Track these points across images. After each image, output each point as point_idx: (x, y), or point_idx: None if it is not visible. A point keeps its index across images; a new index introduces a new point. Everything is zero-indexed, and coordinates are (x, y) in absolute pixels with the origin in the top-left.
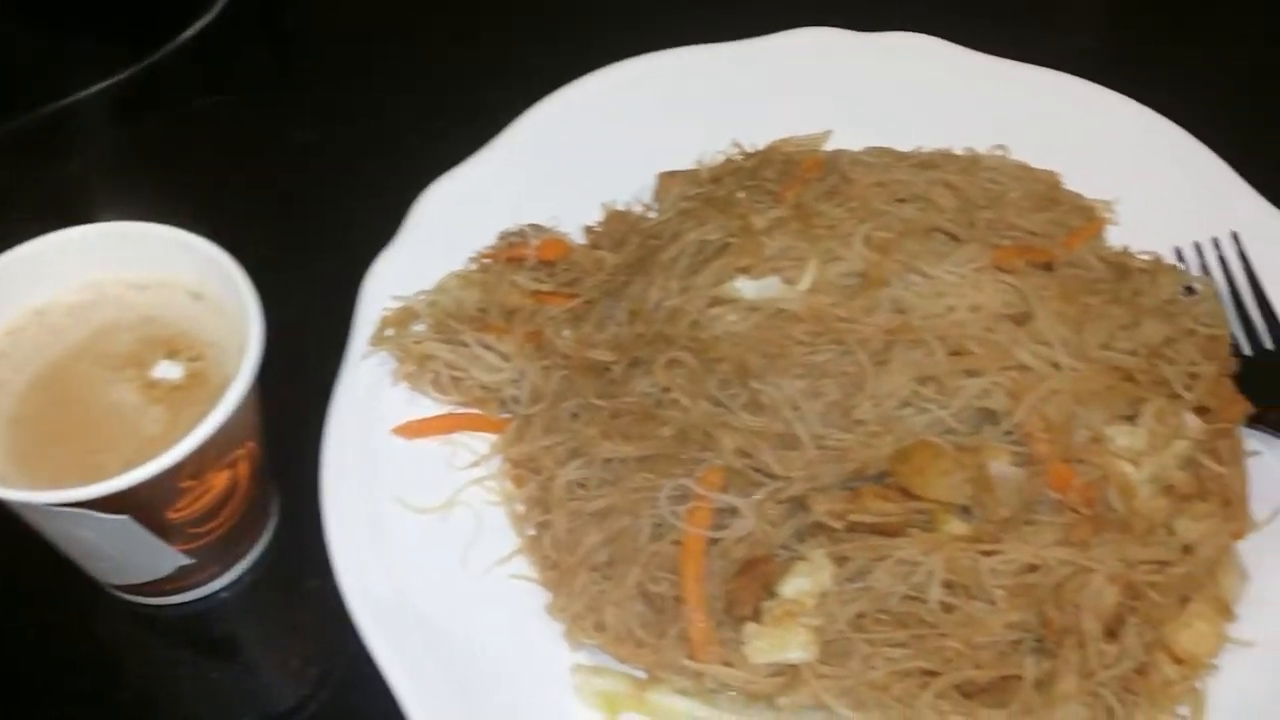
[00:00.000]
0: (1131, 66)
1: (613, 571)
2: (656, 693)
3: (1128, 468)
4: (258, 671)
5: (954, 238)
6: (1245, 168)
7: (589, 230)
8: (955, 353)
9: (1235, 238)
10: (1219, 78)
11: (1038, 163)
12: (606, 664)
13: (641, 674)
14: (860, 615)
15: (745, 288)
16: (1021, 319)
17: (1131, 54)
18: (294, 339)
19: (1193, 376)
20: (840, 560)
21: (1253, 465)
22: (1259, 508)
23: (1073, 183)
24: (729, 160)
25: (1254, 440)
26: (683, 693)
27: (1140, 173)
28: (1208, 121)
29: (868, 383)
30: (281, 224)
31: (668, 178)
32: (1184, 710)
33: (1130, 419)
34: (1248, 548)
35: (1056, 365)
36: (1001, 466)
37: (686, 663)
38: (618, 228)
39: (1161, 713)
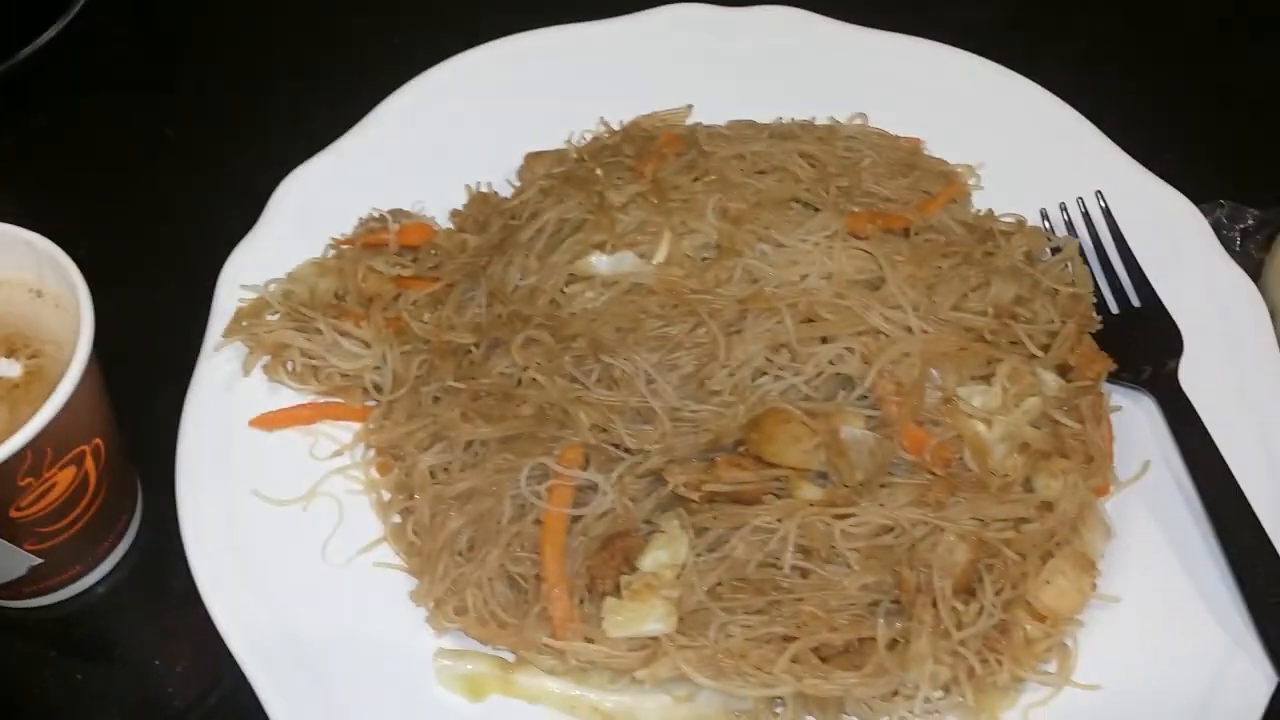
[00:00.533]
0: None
1: (474, 554)
2: (524, 674)
3: (980, 427)
4: (123, 671)
5: (810, 207)
6: (1112, 129)
7: (454, 214)
8: (808, 320)
9: (1100, 196)
10: (1085, 45)
11: (903, 130)
12: (475, 649)
13: (509, 656)
14: (719, 585)
15: (600, 263)
16: (874, 284)
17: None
18: (155, 333)
19: (1051, 335)
20: (699, 531)
21: (1120, 421)
22: (1126, 464)
23: (938, 148)
24: (596, 139)
25: (1121, 397)
26: (551, 673)
27: (1008, 136)
28: (1074, 87)
29: (721, 353)
30: (143, 219)
31: (533, 158)
32: (1050, 666)
33: (985, 379)
34: (1113, 504)
35: (908, 329)
36: (854, 431)
37: (549, 642)
38: (481, 210)
39: (1025, 670)
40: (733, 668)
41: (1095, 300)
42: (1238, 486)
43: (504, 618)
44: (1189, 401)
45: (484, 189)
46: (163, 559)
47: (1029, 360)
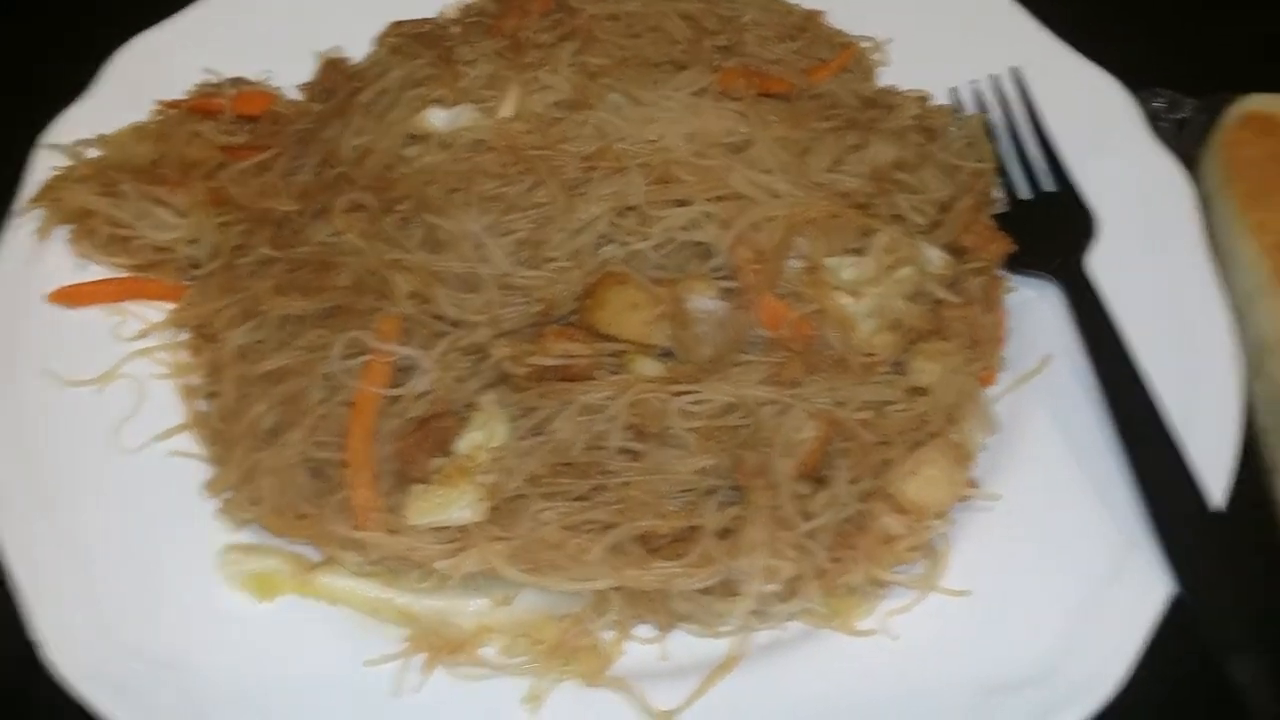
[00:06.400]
0: None
1: (275, 439)
2: (326, 575)
3: (847, 300)
4: None
5: (683, 69)
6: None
7: (303, 86)
8: (663, 181)
9: (1016, 75)
10: None
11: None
12: (274, 545)
13: (316, 555)
14: (542, 468)
15: (437, 119)
16: (743, 147)
17: None
18: None
19: (943, 208)
20: (525, 411)
21: (1027, 313)
22: (1030, 358)
23: (850, 22)
24: (469, 6)
25: (1032, 288)
26: (357, 573)
27: (928, 12)
28: None
29: (559, 215)
30: None
31: (396, 26)
32: (917, 570)
33: (860, 252)
34: (1011, 399)
35: (776, 194)
36: (703, 301)
37: (347, 532)
38: (331, 78)
39: (883, 570)
40: (546, 560)
41: (1007, 183)
42: (1143, 382)
43: (303, 508)
44: (1096, 291)
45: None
46: None
47: (911, 233)
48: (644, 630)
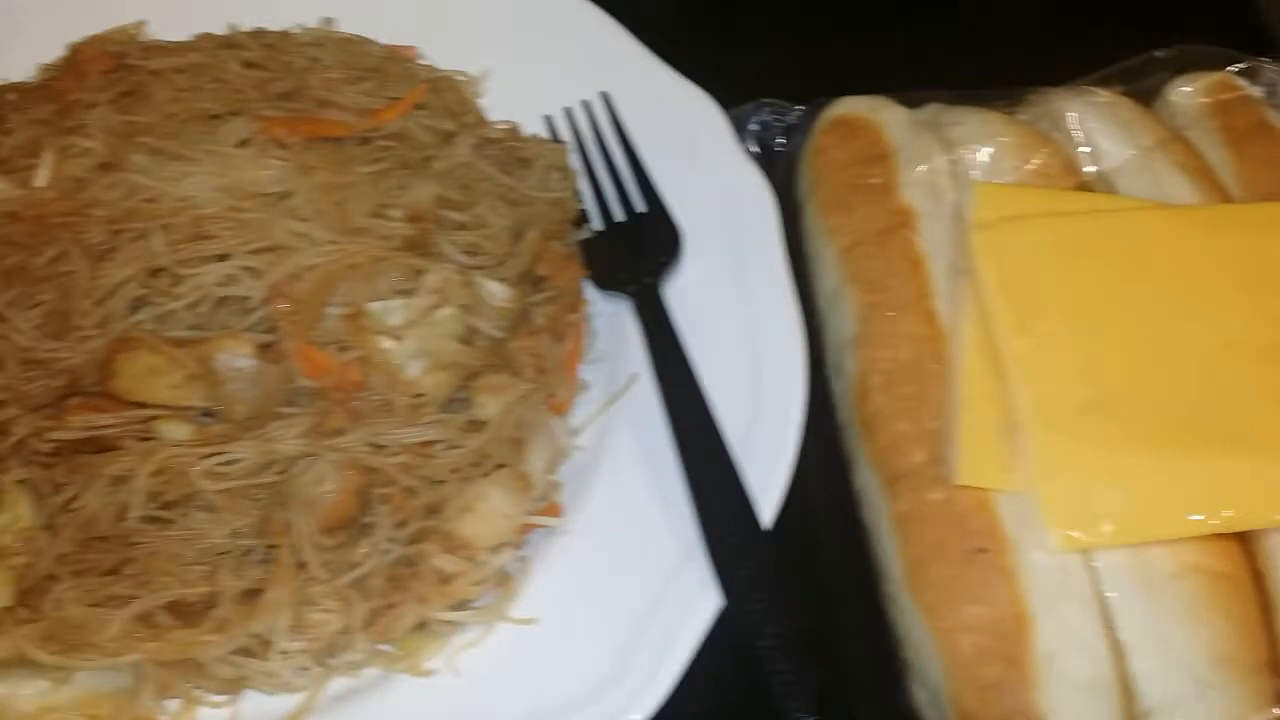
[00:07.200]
0: None
1: None
2: None
3: (389, 344)
4: None
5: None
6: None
7: None
8: (196, 238)
9: (606, 98)
10: None
11: (408, 39)
12: None
13: None
14: (71, 545)
15: None
16: (285, 196)
17: None
18: None
19: (513, 242)
20: (56, 487)
21: (623, 334)
22: (615, 375)
23: (448, 58)
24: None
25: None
26: None
27: (529, 41)
28: None
29: (84, 283)
30: None
31: None
32: (484, 600)
33: (411, 294)
34: (603, 420)
35: (316, 242)
36: (234, 359)
37: None
38: None
39: (433, 609)
40: (74, 639)
41: (603, 207)
42: (703, 402)
43: None
44: (665, 311)
45: None
46: None
47: (467, 270)
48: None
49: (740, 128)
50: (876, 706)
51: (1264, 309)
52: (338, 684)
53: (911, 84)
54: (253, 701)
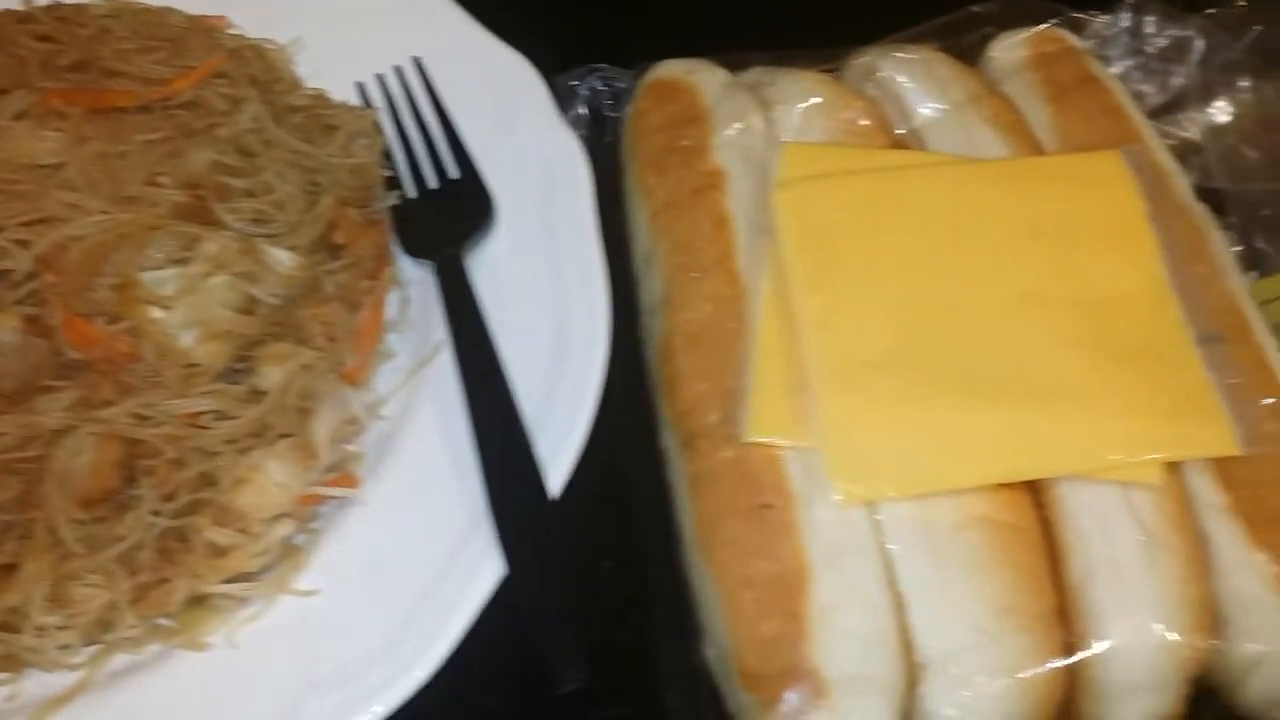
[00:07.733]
0: None
1: None
2: None
3: (159, 314)
4: None
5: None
6: None
7: None
8: None
9: (419, 64)
10: None
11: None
12: None
13: None
14: None
15: None
16: (59, 168)
17: None
18: None
19: (308, 208)
20: None
21: (427, 299)
22: (425, 344)
23: (263, 25)
24: None
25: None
26: None
27: (344, 7)
28: None
29: None
30: None
31: None
32: (270, 573)
33: (187, 263)
34: (409, 389)
35: (88, 212)
36: None
37: None
38: None
39: (205, 583)
40: None
41: (416, 174)
42: (497, 371)
43: None
44: (466, 279)
45: None
46: None
47: (249, 238)
48: None
49: (573, 94)
50: (674, 668)
51: (1059, 260)
52: (120, 660)
53: (739, 46)
54: (37, 679)
